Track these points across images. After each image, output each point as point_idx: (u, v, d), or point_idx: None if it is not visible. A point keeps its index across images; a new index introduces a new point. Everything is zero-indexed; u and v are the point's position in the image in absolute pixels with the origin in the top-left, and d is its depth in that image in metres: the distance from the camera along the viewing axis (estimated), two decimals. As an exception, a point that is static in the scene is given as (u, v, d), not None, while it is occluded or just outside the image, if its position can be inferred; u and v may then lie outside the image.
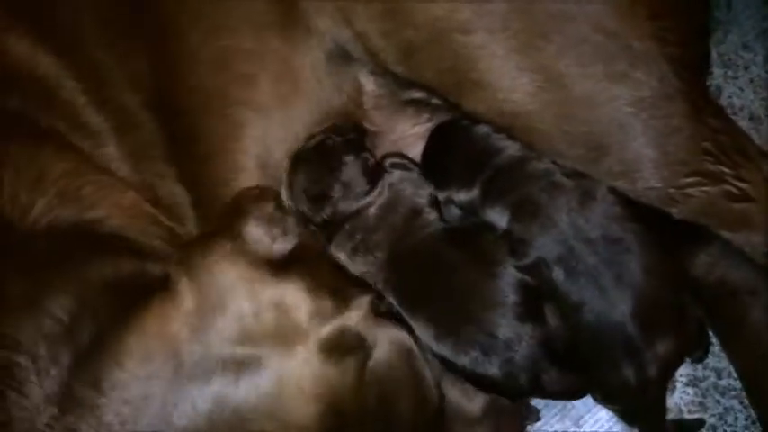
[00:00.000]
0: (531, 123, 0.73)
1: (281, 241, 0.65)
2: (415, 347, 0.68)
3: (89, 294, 0.63)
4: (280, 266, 0.62)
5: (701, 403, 0.88)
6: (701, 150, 0.72)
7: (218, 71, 0.78)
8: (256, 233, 0.63)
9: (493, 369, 0.71)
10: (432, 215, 0.78)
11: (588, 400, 0.83)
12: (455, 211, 0.79)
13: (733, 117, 0.94)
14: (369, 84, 0.84)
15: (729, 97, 0.96)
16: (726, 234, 0.74)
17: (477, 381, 0.73)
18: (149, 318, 0.58)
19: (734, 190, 0.73)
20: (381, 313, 0.68)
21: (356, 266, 0.76)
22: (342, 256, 0.77)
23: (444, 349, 0.71)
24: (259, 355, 0.58)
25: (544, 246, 0.72)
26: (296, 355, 0.59)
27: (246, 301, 0.59)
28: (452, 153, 0.80)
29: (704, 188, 0.72)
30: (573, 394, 0.78)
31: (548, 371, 0.73)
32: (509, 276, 0.72)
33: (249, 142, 0.80)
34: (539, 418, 0.88)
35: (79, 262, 0.65)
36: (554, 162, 0.75)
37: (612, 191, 0.73)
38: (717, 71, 0.97)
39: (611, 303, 0.70)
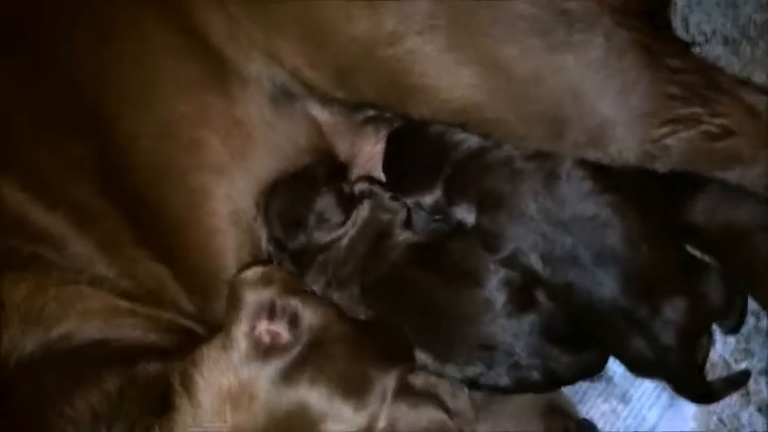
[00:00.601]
0: (483, 115, 0.70)
1: (289, 335, 0.57)
2: (448, 423, 0.62)
3: None
4: (286, 372, 0.56)
5: (745, 350, 0.83)
6: (668, 96, 0.68)
7: (164, 143, 0.77)
8: (251, 337, 0.56)
9: (502, 379, 0.69)
10: (402, 236, 0.75)
11: (630, 374, 0.79)
12: (426, 217, 0.76)
13: (706, 45, 0.89)
14: (322, 114, 0.82)
15: (698, 24, 0.90)
16: (719, 174, 0.70)
17: (493, 390, 0.70)
18: None
19: (713, 128, 0.68)
20: (411, 388, 0.62)
21: None
22: (317, 291, 0.74)
23: (449, 371, 0.69)
24: None
25: (517, 236, 0.70)
26: None
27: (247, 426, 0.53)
28: (409, 157, 0.78)
29: (681, 134, 0.68)
30: (592, 371, 0.74)
31: (557, 358, 0.69)
32: (493, 280, 0.70)
33: (217, 204, 0.78)
34: None
35: (59, 399, 0.62)
36: (516, 148, 0.72)
37: (581, 164, 0.69)
38: (679, 1, 0.91)
39: (598, 282, 0.67)
